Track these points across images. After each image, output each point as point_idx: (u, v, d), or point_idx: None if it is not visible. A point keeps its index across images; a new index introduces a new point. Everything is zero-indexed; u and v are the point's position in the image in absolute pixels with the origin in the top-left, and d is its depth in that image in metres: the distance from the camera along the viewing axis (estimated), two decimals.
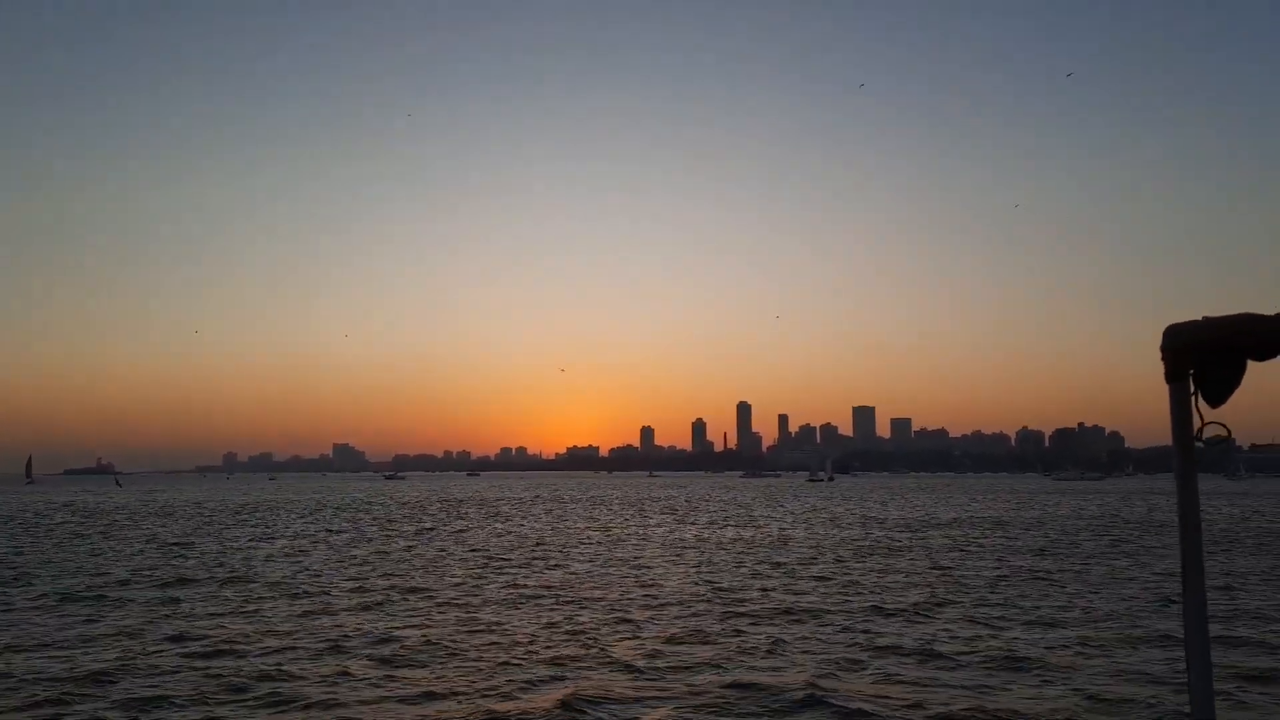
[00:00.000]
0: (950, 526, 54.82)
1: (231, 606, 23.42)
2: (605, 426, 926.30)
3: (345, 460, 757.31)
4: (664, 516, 65.61)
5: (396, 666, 16.65)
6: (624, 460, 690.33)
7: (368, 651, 17.78)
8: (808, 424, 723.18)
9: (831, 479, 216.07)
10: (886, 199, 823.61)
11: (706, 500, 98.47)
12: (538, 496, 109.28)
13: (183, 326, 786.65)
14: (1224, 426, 3.01)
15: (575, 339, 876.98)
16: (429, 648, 18.13)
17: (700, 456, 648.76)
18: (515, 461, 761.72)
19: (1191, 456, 3.14)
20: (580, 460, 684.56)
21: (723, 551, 38.30)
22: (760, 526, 54.64)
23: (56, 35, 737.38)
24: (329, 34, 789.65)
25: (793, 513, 70.51)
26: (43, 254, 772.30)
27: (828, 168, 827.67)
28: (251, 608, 23.20)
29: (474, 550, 39.00)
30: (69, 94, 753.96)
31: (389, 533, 49.67)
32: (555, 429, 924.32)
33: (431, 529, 53.07)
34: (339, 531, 50.72)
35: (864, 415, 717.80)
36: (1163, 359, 3.13)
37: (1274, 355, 2.87)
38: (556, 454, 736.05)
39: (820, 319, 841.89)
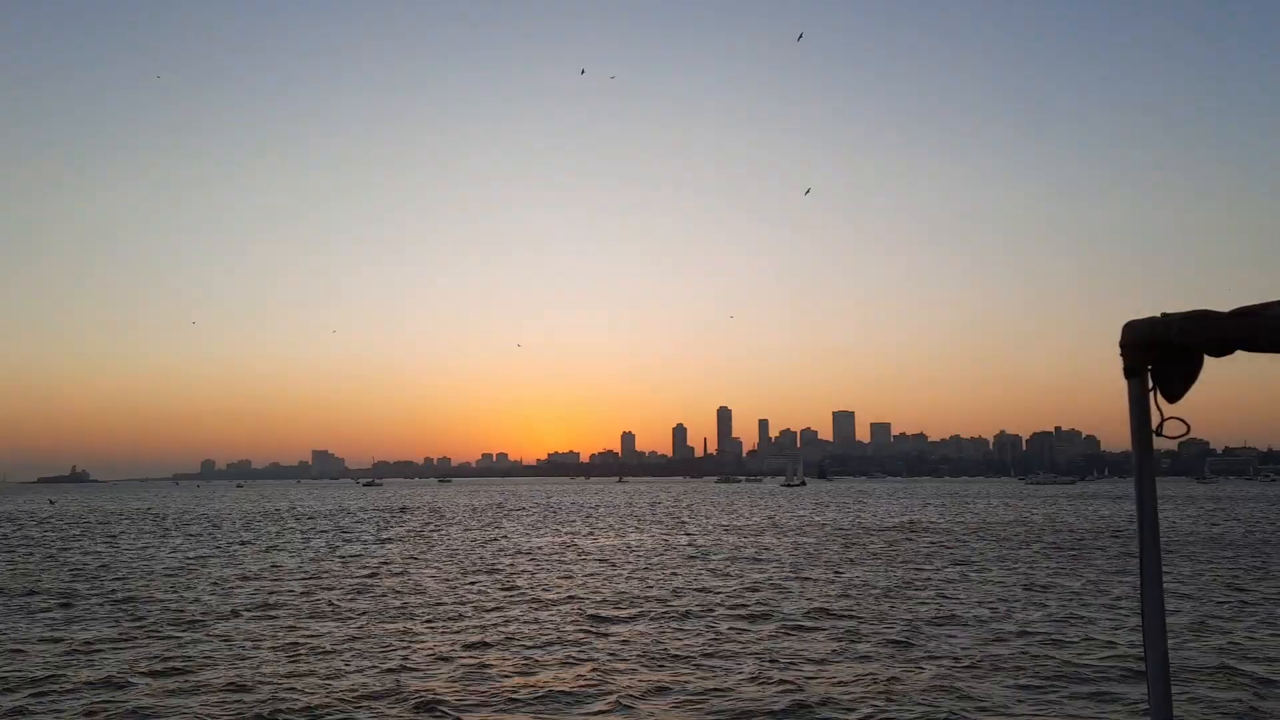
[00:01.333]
0: (853, 532, 54.45)
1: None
2: (586, 432, 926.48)
3: (324, 467, 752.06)
4: (584, 525, 64.50)
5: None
6: (604, 466, 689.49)
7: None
8: (788, 429, 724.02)
9: (802, 483, 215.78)
10: (868, 205, 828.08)
11: (653, 506, 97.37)
12: (488, 505, 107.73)
13: (160, 333, 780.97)
14: (1184, 421, 3.01)
15: (556, 345, 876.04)
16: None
17: (680, 462, 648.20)
18: (495, 468, 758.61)
19: (1149, 451, 3.13)
20: (560, 466, 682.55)
21: (591, 560, 37.46)
22: (670, 533, 53.76)
23: (38, 34, 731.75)
24: (308, 38, 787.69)
25: (719, 521, 68.66)
26: (15, 258, 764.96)
27: (808, 174, 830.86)
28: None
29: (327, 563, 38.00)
30: (39, 102, 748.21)
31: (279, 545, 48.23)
32: (536, 435, 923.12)
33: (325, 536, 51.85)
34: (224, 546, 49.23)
35: (844, 420, 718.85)
36: (1121, 355, 3.14)
37: (1230, 352, 2.88)
38: (537, 460, 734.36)
39: (801, 324, 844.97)
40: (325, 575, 32.30)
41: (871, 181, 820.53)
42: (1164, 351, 3.00)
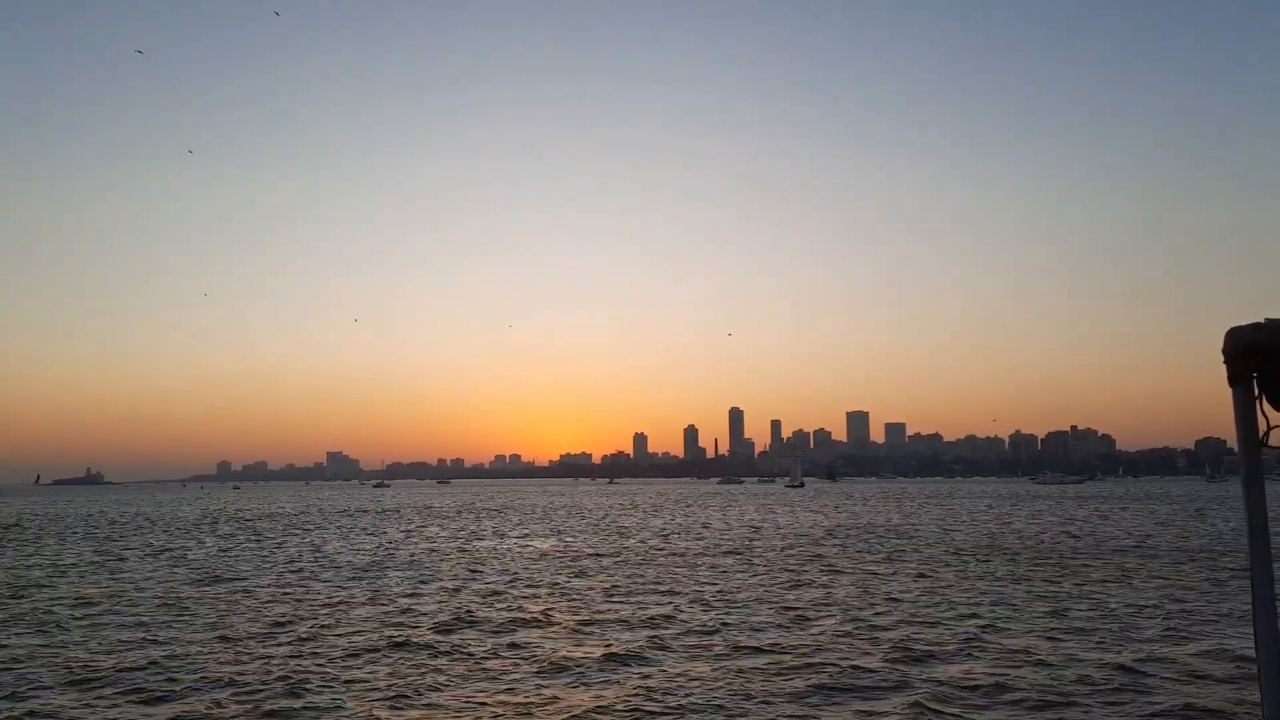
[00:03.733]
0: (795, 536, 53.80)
1: None
2: (599, 434, 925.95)
3: (339, 468, 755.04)
4: (537, 526, 64.48)
5: None
6: (615, 467, 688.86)
7: None
8: (800, 429, 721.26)
9: (800, 485, 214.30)
10: (883, 203, 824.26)
11: (610, 510, 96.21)
12: (452, 506, 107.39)
13: (175, 335, 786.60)
14: None
15: (569, 346, 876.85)
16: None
17: (691, 463, 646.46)
18: (507, 469, 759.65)
19: (1258, 460, 3.07)
20: (572, 468, 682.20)
21: (511, 561, 37.04)
22: (622, 536, 53.38)
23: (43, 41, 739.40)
24: (320, 30, 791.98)
25: (665, 524, 67.59)
26: (30, 259, 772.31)
27: (822, 173, 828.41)
28: None
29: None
30: (56, 100, 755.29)
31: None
32: (549, 437, 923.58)
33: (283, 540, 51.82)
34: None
35: (857, 420, 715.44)
36: (1225, 362, 3.10)
37: None
38: (550, 461, 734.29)
39: (814, 324, 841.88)
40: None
41: (887, 179, 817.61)
42: (1269, 358, 2.91)
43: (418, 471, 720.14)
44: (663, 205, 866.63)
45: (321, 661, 17.33)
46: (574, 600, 25.91)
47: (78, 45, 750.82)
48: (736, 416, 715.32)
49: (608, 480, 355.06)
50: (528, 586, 29.34)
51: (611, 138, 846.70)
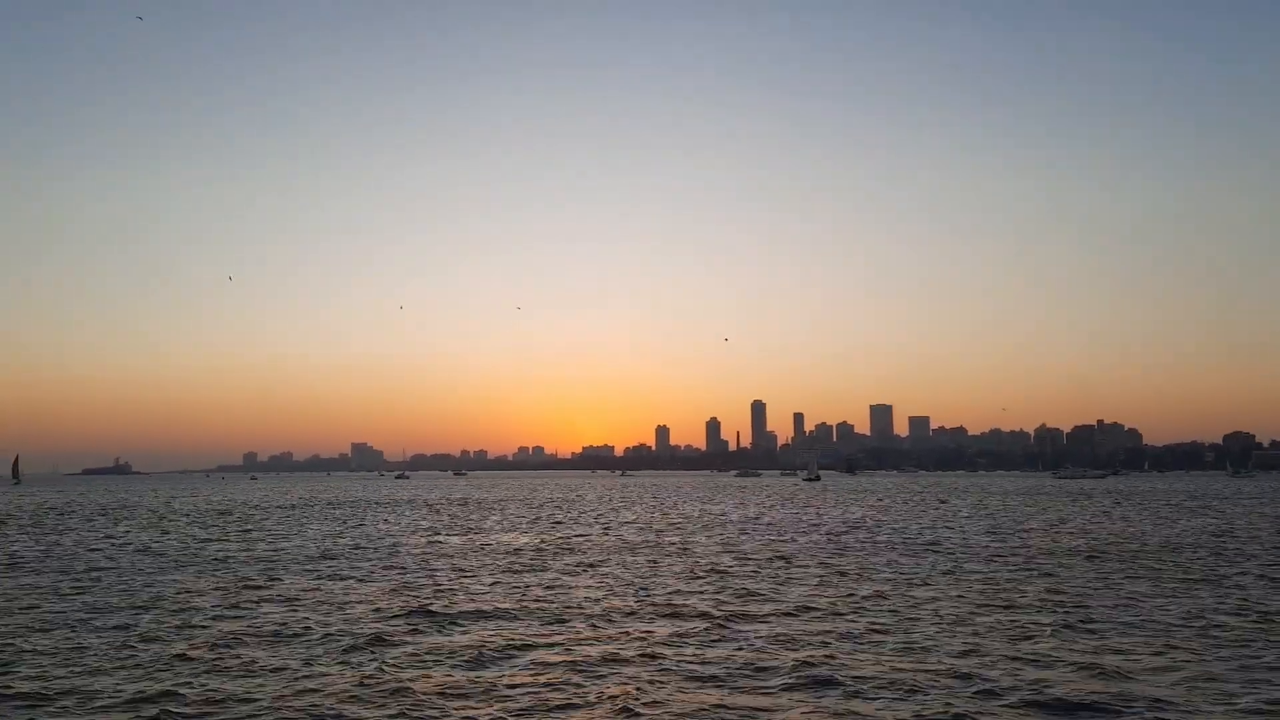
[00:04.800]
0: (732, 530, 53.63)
1: None
2: (622, 426, 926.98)
3: (362, 459, 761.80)
4: (521, 519, 65.25)
5: None
6: (637, 460, 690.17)
7: None
8: (824, 422, 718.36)
9: (817, 478, 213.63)
10: (907, 197, 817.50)
11: (619, 504, 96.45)
12: (467, 499, 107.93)
13: (201, 327, 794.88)
14: None
15: (594, 339, 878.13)
16: None
17: (714, 456, 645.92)
18: (530, 461, 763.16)
19: None
20: (594, 460, 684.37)
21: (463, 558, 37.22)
22: (611, 529, 53.57)
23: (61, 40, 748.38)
24: (326, 29, 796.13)
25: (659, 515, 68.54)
26: (59, 253, 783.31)
27: (849, 167, 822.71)
28: None
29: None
30: (75, 91, 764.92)
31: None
32: (573, 429, 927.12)
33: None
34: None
35: (881, 413, 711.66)
36: None
37: None
38: (572, 453, 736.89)
39: (838, 317, 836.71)
40: None
41: (912, 172, 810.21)
42: None
43: (441, 463, 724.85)
44: (691, 200, 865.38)
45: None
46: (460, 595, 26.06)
47: (90, 29, 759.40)
48: (759, 409, 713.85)
49: (620, 473, 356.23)
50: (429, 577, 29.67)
51: (637, 132, 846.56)
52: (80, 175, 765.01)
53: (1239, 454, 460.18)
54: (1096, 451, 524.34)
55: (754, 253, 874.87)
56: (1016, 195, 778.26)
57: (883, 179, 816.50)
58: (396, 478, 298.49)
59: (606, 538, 46.97)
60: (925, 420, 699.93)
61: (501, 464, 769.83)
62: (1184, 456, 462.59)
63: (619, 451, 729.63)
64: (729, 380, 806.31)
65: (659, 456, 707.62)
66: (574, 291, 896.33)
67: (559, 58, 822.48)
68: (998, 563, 34.03)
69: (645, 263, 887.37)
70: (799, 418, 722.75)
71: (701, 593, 26.52)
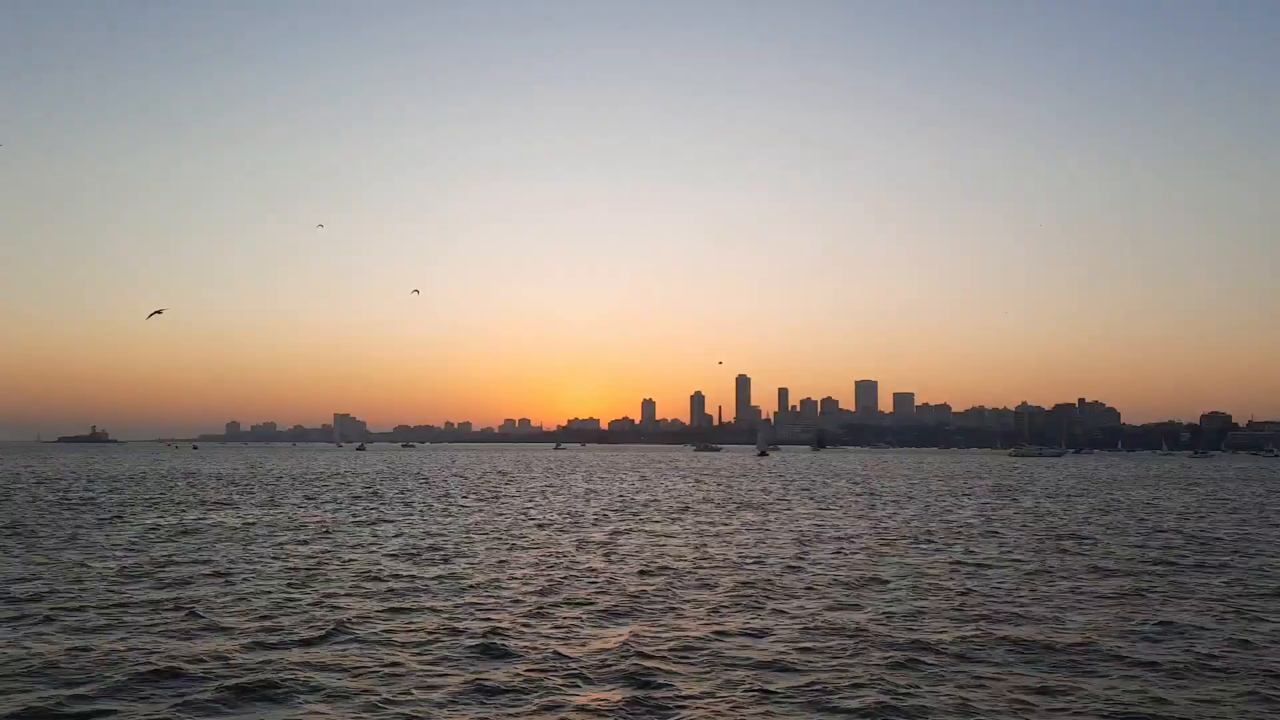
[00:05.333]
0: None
1: None
2: (608, 399, 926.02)
3: (346, 430, 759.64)
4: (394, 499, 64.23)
5: None
6: (621, 433, 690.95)
7: None
8: (809, 397, 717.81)
9: (764, 454, 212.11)
10: (895, 173, 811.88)
11: (519, 480, 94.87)
12: (376, 472, 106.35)
13: (186, 294, 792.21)
14: None
15: (583, 312, 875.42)
16: None
17: (697, 430, 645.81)
18: (516, 433, 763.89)
19: None
20: (579, 433, 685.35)
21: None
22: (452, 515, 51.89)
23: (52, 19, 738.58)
24: (324, 20, 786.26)
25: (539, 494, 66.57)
26: (36, 217, 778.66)
27: (834, 143, 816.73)
28: None
29: None
30: (63, 61, 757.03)
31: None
32: (559, 401, 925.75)
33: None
34: None
35: (866, 389, 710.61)
36: None
37: None
38: (558, 426, 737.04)
39: (824, 293, 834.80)
40: None
41: (899, 150, 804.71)
42: None
43: (425, 434, 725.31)
44: (678, 176, 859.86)
45: None
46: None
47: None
48: (744, 384, 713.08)
49: (555, 446, 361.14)
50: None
51: (623, 106, 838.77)
52: (56, 140, 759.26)
53: (1214, 434, 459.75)
54: (1074, 430, 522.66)
55: (744, 228, 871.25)
56: (1005, 177, 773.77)
57: (871, 159, 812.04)
58: (357, 449, 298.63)
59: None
60: (910, 397, 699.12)
61: (487, 435, 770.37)
62: (1162, 436, 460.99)
63: (604, 425, 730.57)
64: (714, 354, 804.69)
65: (643, 430, 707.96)
66: (563, 265, 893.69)
67: (535, 39, 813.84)
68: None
69: (634, 237, 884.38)
70: (784, 392, 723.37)
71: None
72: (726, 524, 40.01)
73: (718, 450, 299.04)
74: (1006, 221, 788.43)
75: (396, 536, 33.79)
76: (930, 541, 33.52)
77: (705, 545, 31.68)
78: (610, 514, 45.11)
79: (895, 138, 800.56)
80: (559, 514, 44.91)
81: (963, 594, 21.95)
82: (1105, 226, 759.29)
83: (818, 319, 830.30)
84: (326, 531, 35.54)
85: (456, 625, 17.88)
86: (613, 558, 28.28)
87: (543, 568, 25.92)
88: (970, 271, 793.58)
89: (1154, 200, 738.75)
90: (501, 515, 43.70)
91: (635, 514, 45.14)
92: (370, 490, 64.54)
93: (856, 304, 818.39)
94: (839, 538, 34.53)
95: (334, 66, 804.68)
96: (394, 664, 14.94)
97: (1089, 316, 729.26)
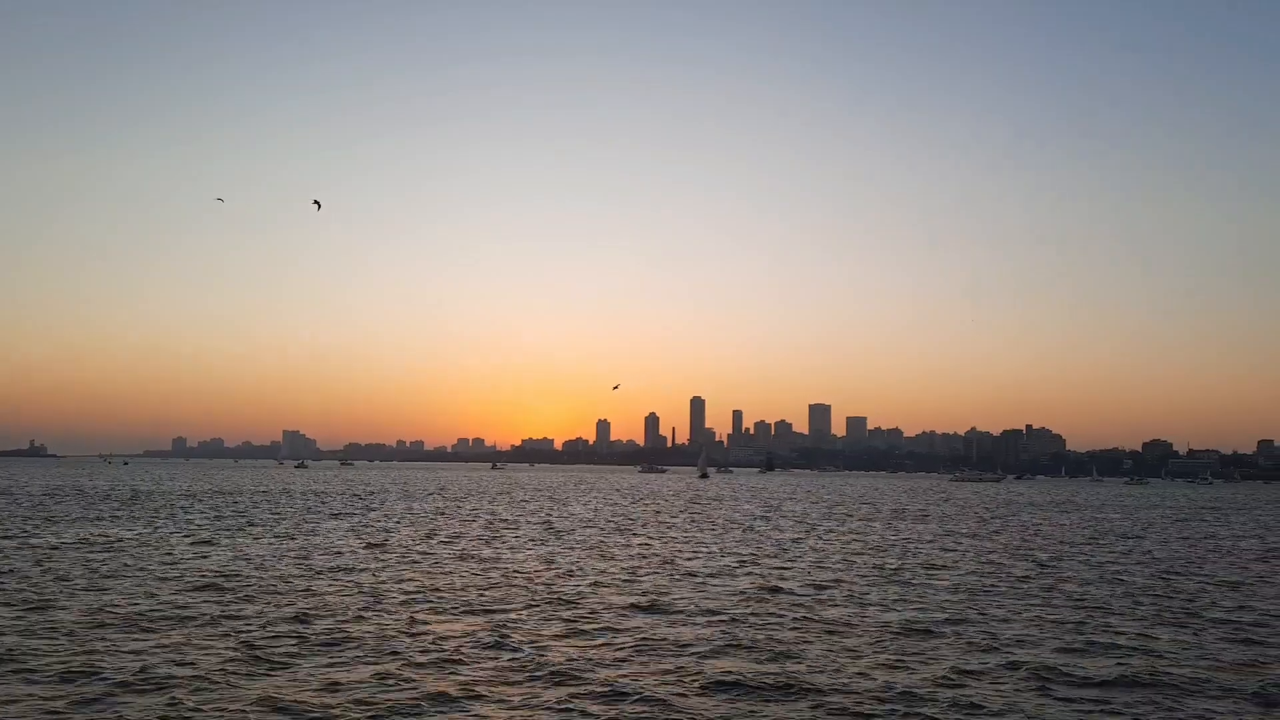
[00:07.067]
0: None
1: None
2: (564, 420, 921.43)
3: (295, 447, 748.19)
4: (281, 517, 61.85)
5: None
6: (574, 454, 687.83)
7: None
8: (762, 420, 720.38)
9: (704, 475, 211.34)
10: (851, 200, 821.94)
11: (414, 501, 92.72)
12: (309, 492, 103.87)
13: (131, 306, 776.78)
14: None
15: (538, 332, 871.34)
16: None
17: (650, 451, 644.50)
18: (469, 452, 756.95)
19: None
20: (533, 453, 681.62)
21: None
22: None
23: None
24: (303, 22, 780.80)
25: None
26: None
27: (788, 169, 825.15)
28: None
29: None
30: (23, 72, 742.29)
31: None
32: (514, 421, 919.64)
33: None
34: None
35: (819, 413, 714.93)
36: None
37: None
38: (512, 446, 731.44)
39: (780, 317, 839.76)
40: None
41: (853, 177, 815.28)
42: None
43: (375, 453, 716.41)
44: (634, 199, 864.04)
45: None
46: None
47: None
48: (698, 406, 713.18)
49: (493, 466, 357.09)
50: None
51: (580, 129, 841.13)
52: (8, 145, 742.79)
53: (1155, 461, 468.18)
54: (1020, 455, 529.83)
55: (701, 252, 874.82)
56: (958, 202, 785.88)
57: (826, 186, 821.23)
58: (296, 467, 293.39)
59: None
60: (862, 421, 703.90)
61: (439, 455, 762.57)
62: (1106, 462, 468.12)
63: (559, 445, 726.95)
64: (669, 376, 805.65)
65: (597, 450, 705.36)
66: (519, 286, 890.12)
67: (497, 61, 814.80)
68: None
69: (589, 259, 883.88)
70: (738, 415, 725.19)
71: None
72: (551, 547, 38.60)
73: (663, 471, 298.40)
74: (961, 249, 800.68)
75: (200, 558, 31.94)
76: (741, 566, 32.43)
77: (478, 568, 30.24)
78: (419, 538, 43.28)
79: (848, 165, 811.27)
80: (364, 539, 43.12)
81: (704, 614, 20.88)
82: (1056, 253, 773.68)
83: (773, 343, 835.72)
84: (109, 549, 33.62)
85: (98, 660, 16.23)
86: (345, 582, 26.68)
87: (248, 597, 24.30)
88: (925, 298, 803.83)
89: (1108, 230, 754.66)
90: (317, 537, 41.88)
91: (454, 537, 43.16)
92: (236, 508, 62.19)
93: (812, 328, 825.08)
94: (650, 559, 33.31)
95: (278, 82, 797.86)
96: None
97: (1038, 344, 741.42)
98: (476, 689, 14.81)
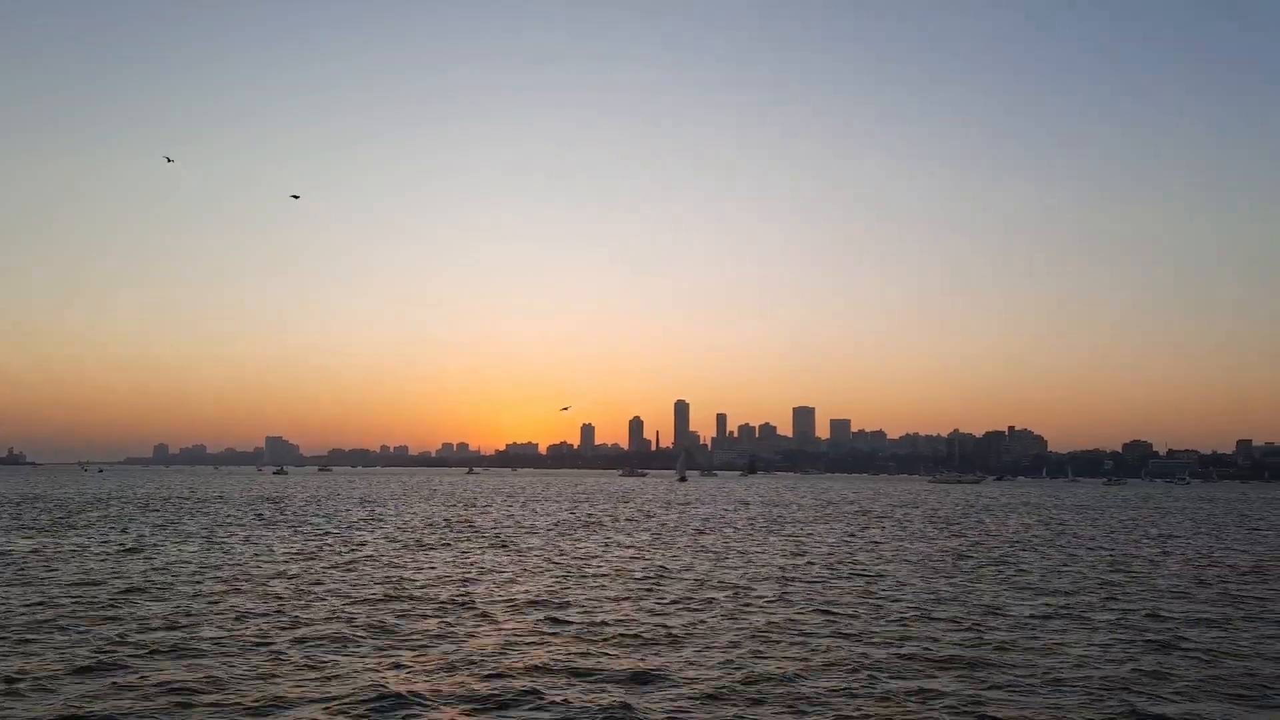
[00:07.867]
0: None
1: None
2: (548, 424, 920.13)
3: (278, 453, 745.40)
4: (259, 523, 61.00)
5: None
6: (559, 458, 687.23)
7: None
8: (746, 423, 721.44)
9: (683, 479, 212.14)
10: (832, 202, 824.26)
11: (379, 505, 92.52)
12: (263, 496, 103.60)
13: (112, 311, 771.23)
14: None
15: (523, 336, 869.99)
16: None
17: (634, 455, 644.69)
18: (453, 457, 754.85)
19: None
20: (517, 458, 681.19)
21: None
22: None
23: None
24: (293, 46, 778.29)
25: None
26: None
27: (777, 172, 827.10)
28: None
29: None
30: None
31: None
32: (498, 426, 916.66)
33: None
34: None
35: (804, 415, 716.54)
36: None
37: None
38: (496, 450, 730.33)
39: (764, 320, 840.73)
40: None
41: (835, 180, 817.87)
42: None
43: (358, 458, 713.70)
44: (618, 203, 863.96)
45: None
46: None
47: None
48: (682, 409, 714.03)
49: (469, 470, 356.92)
50: None
51: (564, 134, 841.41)
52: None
53: (1135, 462, 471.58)
54: (1003, 457, 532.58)
55: (684, 254, 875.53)
56: (942, 205, 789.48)
57: (812, 188, 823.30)
58: (275, 473, 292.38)
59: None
60: (846, 423, 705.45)
61: (424, 460, 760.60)
62: (1087, 463, 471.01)
63: (543, 449, 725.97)
64: (654, 380, 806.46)
65: (581, 454, 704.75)
66: (505, 290, 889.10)
67: (483, 66, 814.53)
68: None
69: (574, 263, 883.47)
70: (722, 418, 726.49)
71: None
72: (488, 551, 38.80)
73: (643, 475, 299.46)
74: (944, 252, 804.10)
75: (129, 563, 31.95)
76: (663, 571, 32.75)
77: (414, 573, 30.42)
78: (366, 541, 43.53)
79: (830, 168, 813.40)
80: (306, 544, 43.23)
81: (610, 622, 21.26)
82: (1038, 256, 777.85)
83: (758, 346, 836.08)
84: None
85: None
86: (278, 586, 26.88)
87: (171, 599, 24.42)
88: (908, 301, 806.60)
89: (1090, 232, 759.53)
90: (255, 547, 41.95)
91: (417, 542, 43.52)
92: (179, 515, 62.08)
93: (797, 332, 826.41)
94: (589, 561, 33.61)
95: (276, 82, 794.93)
96: None
97: (1022, 346, 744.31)
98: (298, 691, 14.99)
